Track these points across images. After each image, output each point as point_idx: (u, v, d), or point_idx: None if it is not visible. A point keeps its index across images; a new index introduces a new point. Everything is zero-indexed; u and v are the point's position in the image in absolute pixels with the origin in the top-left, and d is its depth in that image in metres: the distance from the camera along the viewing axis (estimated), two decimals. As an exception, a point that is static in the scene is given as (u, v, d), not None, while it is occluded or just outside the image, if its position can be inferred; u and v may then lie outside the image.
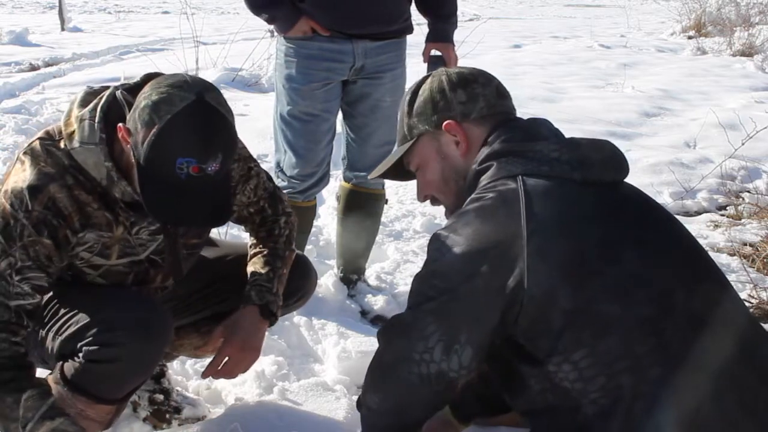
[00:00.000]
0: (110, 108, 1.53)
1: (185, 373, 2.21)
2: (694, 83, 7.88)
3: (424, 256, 1.43)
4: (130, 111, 1.48)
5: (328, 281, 2.79)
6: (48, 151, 1.55)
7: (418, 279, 1.42)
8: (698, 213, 3.92)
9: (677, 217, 1.52)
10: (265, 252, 1.87)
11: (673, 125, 5.91)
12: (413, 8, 2.57)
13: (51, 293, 1.65)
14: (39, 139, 1.59)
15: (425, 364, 1.36)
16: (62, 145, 1.56)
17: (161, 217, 1.55)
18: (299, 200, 2.56)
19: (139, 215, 1.61)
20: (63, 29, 11.86)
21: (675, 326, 1.28)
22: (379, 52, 2.47)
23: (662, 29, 14.47)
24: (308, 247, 2.92)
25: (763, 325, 1.49)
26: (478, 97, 1.51)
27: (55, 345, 1.60)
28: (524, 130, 1.47)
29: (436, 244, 1.39)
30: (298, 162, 2.50)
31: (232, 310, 1.82)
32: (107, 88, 1.59)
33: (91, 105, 1.55)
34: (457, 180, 1.53)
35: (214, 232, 2.25)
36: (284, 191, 2.54)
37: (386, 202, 2.83)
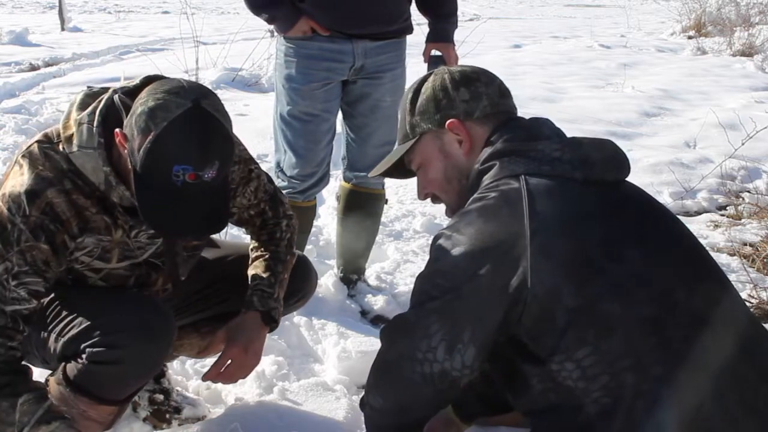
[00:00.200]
0: (109, 112, 1.52)
1: (185, 373, 2.21)
2: (694, 83, 7.88)
3: (425, 256, 1.44)
4: (127, 116, 1.47)
5: (328, 281, 2.79)
6: (46, 155, 1.55)
7: (421, 278, 1.42)
8: (698, 213, 3.92)
9: (678, 217, 1.52)
10: (266, 256, 1.86)
11: (673, 125, 5.91)
12: (413, 8, 2.57)
13: (53, 295, 1.65)
14: (37, 142, 1.58)
15: (428, 364, 1.36)
16: (61, 148, 1.55)
17: (157, 227, 1.54)
18: (299, 200, 2.56)
19: (137, 219, 1.61)
20: (63, 29, 11.87)
21: (676, 325, 1.28)
22: (379, 52, 2.47)
23: (662, 29, 14.47)
24: (308, 247, 2.92)
25: (763, 325, 1.48)
26: (481, 95, 1.51)
27: (57, 346, 1.60)
28: (526, 130, 1.47)
29: (439, 244, 1.39)
30: (298, 162, 2.50)
31: (229, 313, 1.82)
32: (106, 90, 1.58)
33: (90, 108, 1.54)
34: (459, 179, 1.53)
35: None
36: (284, 191, 2.55)
37: (386, 202, 2.83)
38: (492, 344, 1.37)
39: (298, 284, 1.99)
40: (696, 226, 3.61)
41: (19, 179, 1.53)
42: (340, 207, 2.77)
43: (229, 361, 1.76)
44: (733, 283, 1.45)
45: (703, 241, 2.78)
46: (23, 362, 1.57)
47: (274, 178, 2.61)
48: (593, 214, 1.35)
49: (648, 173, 4.30)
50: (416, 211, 3.65)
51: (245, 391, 2.12)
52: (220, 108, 1.48)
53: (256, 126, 5.10)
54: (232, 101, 6.12)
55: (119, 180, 1.54)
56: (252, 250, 1.91)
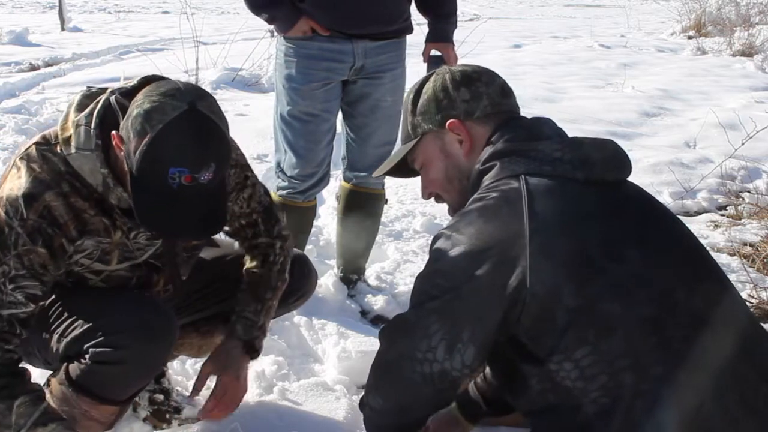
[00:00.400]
0: (106, 113, 1.52)
1: (185, 373, 2.21)
2: (694, 83, 7.88)
3: (424, 256, 1.44)
4: (124, 117, 1.47)
5: (328, 281, 2.78)
6: (44, 157, 1.55)
7: (421, 278, 1.42)
8: (698, 213, 3.92)
9: (678, 217, 1.52)
10: (256, 281, 1.85)
11: (673, 125, 5.91)
12: (413, 8, 2.57)
13: (54, 296, 1.65)
14: (35, 144, 1.58)
15: (428, 363, 1.36)
16: (58, 150, 1.55)
17: (154, 229, 1.54)
18: (299, 200, 2.56)
19: (135, 221, 1.59)
20: (63, 29, 11.86)
21: (676, 325, 1.28)
22: (379, 52, 2.47)
23: (662, 29, 14.47)
24: (308, 247, 2.92)
25: (763, 324, 1.48)
26: (482, 95, 1.51)
27: (60, 347, 1.60)
28: (527, 130, 1.47)
29: (439, 244, 1.39)
30: (299, 162, 2.50)
31: (229, 313, 1.81)
32: (105, 90, 1.58)
33: (88, 110, 1.54)
34: (460, 179, 1.53)
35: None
36: (284, 191, 2.56)
37: (386, 202, 2.83)
38: (492, 344, 1.37)
39: (298, 283, 1.99)
40: (696, 226, 3.61)
41: (17, 182, 1.53)
42: (340, 207, 2.77)
43: (226, 392, 1.78)
44: (733, 283, 1.45)
45: (703, 241, 2.78)
46: (21, 365, 1.57)
47: (275, 179, 2.62)
48: (593, 214, 1.35)
49: (648, 173, 4.30)
50: (416, 211, 3.65)
51: (245, 391, 2.12)
52: (217, 110, 1.47)
53: (256, 126, 5.11)
54: (232, 101, 6.12)
55: (117, 182, 1.53)
56: (244, 276, 1.88)
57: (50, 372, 1.75)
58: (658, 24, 15.99)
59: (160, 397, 2.00)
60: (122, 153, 1.46)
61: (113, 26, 13.29)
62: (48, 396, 1.65)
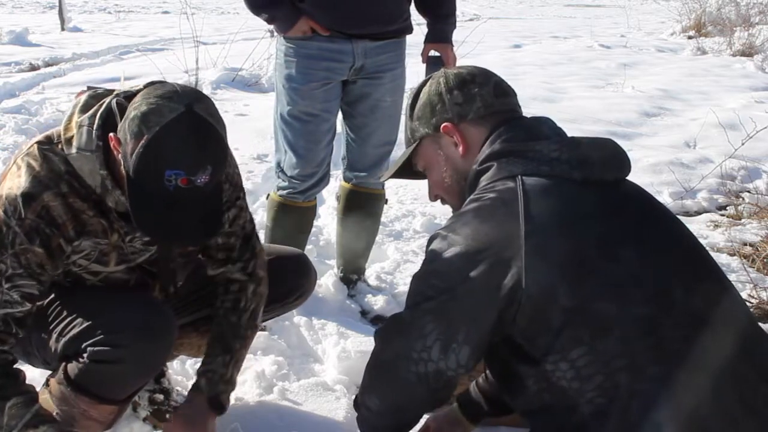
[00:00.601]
0: (110, 115, 1.52)
1: (185, 373, 2.21)
2: (694, 83, 7.88)
3: (424, 256, 1.44)
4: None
5: (328, 281, 2.79)
6: (45, 156, 1.55)
7: (417, 278, 1.43)
8: (698, 213, 3.92)
9: (678, 217, 1.51)
10: (224, 329, 1.79)
11: (673, 125, 5.91)
12: (413, 8, 2.56)
13: (53, 295, 1.65)
14: (37, 143, 1.58)
15: (423, 363, 1.37)
16: (60, 149, 1.55)
17: (149, 232, 1.53)
18: (299, 200, 2.56)
19: (132, 225, 1.60)
20: (63, 29, 11.86)
21: (673, 325, 1.28)
22: (378, 51, 2.47)
23: (662, 29, 14.47)
24: (308, 247, 2.92)
25: (763, 325, 1.48)
26: (475, 97, 1.52)
27: (58, 346, 1.60)
28: (526, 130, 1.47)
29: (435, 244, 1.39)
30: (299, 162, 2.50)
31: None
32: (111, 92, 1.58)
33: (92, 111, 1.54)
34: (458, 180, 1.54)
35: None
36: (285, 191, 2.56)
37: (386, 202, 2.83)
38: (487, 344, 1.37)
39: (297, 281, 1.99)
40: (696, 226, 3.61)
41: (17, 181, 1.53)
42: (340, 207, 2.77)
43: None
44: (733, 283, 1.45)
45: (703, 241, 2.78)
46: (15, 366, 1.57)
47: (275, 179, 2.62)
48: (591, 214, 1.35)
49: (648, 173, 4.31)
50: (416, 211, 3.65)
51: (245, 391, 2.12)
52: (214, 113, 1.47)
53: (256, 126, 5.11)
54: (232, 101, 6.12)
55: (115, 184, 1.53)
56: (213, 320, 1.82)
57: (50, 372, 1.75)
58: (658, 24, 15.99)
59: (160, 397, 2.00)
60: (120, 155, 1.46)
61: (113, 26, 13.29)
62: (47, 396, 1.65)
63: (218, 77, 6.78)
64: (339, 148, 2.70)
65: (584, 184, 1.37)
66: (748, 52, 10.16)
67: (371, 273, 2.95)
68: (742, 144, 3.97)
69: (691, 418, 1.24)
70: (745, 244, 3.39)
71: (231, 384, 1.79)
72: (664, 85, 7.60)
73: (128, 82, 6.60)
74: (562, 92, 7.12)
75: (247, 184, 3.80)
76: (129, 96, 1.53)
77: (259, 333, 2.38)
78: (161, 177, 1.40)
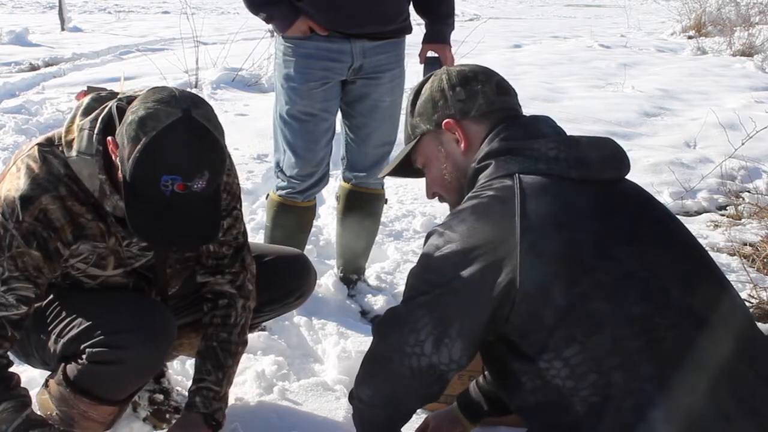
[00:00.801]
0: (111, 120, 1.52)
1: (185, 373, 2.21)
2: (694, 83, 7.88)
3: (421, 252, 1.44)
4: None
5: (328, 281, 2.79)
6: (45, 159, 1.54)
7: (413, 274, 1.43)
8: (698, 213, 3.92)
9: (677, 217, 1.51)
10: (214, 346, 1.78)
11: (673, 125, 5.91)
12: (412, 9, 2.56)
13: (52, 296, 1.65)
14: (38, 144, 1.58)
15: (416, 357, 1.37)
16: (60, 152, 1.55)
17: (145, 237, 1.52)
18: (299, 200, 2.56)
19: (129, 230, 1.58)
20: (63, 29, 11.87)
21: (670, 324, 1.28)
22: (377, 51, 2.47)
23: (662, 29, 14.48)
24: (308, 247, 2.92)
25: (762, 325, 1.48)
26: (477, 94, 1.52)
27: (57, 347, 1.60)
28: (524, 128, 1.47)
29: (432, 241, 1.40)
30: (297, 162, 2.50)
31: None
32: (114, 96, 1.58)
33: (93, 115, 1.54)
34: (458, 177, 1.54)
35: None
36: (284, 191, 2.56)
37: (386, 202, 2.82)
38: (480, 341, 1.38)
39: (297, 282, 1.99)
40: (696, 226, 3.61)
41: (15, 183, 1.53)
42: (339, 207, 2.77)
43: None
44: (733, 283, 1.45)
45: (703, 241, 2.79)
46: (9, 369, 1.56)
47: (274, 179, 2.62)
48: (587, 213, 1.35)
49: (648, 173, 4.31)
50: (416, 211, 3.65)
51: (245, 391, 2.12)
52: (213, 118, 1.46)
53: (256, 126, 5.11)
54: (232, 101, 6.12)
55: (114, 189, 1.53)
56: (203, 335, 1.81)
57: (49, 372, 1.75)
58: (658, 24, 15.99)
59: (160, 397, 2.00)
60: (117, 159, 1.45)
61: (113, 26, 13.30)
62: (47, 396, 1.65)
63: (218, 77, 6.79)
64: (338, 148, 2.70)
65: (582, 183, 1.37)
66: (748, 52, 10.17)
67: (371, 273, 2.95)
68: (742, 144, 3.97)
69: (686, 417, 1.24)
70: (745, 244, 3.39)
71: (224, 401, 1.78)
72: (664, 85, 7.60)
73: (128, 82, 6.61)
74: (562, 92, 7.12)
75: (247, 184, 3.81)
76: (131, 100, 1.52)
77: (259, 333, 2.38)
78: (157, 182, 1.39)
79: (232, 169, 1.77)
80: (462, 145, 1.51)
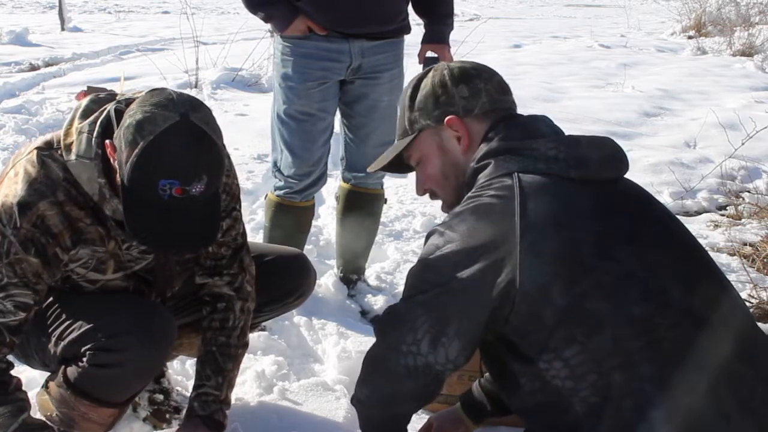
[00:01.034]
0: (109, 123, 1.51)
1: (185, 373, 2.21)
2: (694, 83, 7.88)
3: (421, 251, 1.44)
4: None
5: (328, 281, 2.79)
6: (43, 162, 1.54)
7: (412, 273, 1.43)
8: (698, 213, 3.92)
9: (677, 216, 1.51)
10: (214, 350, 1.78)
11: (673, 125, 5.91)
12: (411, 9, 2.56)
13: (52, 298, 1.65)
14: (37, 148, 1.57)
15: (412, 356, 1.37)
16: (59, 155, 1.54)
17: (143, 241, 1.52)
18: (297, 200, 2.56)
19: (128, 234, 1.59)
20: (63, 29, 11.87)
21: (670, 324, 1.28)
22: (376, 51, 2.46)
23: (662, 29, 14.47)
24: (308, 247, 2.92)
25: (762, 325, 1.48)
26: (480, 92, 1.50)
27: (57, 349, 1.60)
28: (523, 128, 1.46)
29: (432, 240, 1.40)
30: (295, 161, 2.50)
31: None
32: (113, 97, 1.57)
33: (92, 117, 1.53)
34: (457, 175, 1.52)
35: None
36: (282, 191, 2.56)
37: (385, 202, 2.82)
38: (478, 341, 1.38)
39: (297, 282, 1.99)
40: (696, 226, 3.61)
41: (13, 188, 1.52)
42: (339, 207, 2.77)
43: None
44: (733, 283, 1.44)
45: (703, 241, 2.79)
46: (9, 372, 1.57)
47: (272, 178, 2.62)
48: (587, 213, 1.34)
49: (648, 173, 4.31)
50: (416, 211, 3.65)
51: (245, 391, 2.12)
52: (211, 121, 1.45)
53: (256, 126, 5.11)
54: (232, 101, 6.12)
55: (113, 192, 1.52)
56: (202, 339, 1.81)
57: (49, 374, 1.75)
58: (658, 24, 15.99)
59: (160, 397, 2.00)
60: (116, 162, 1.45)
61: (113, 26, 13.30)
62: (47, 398, 1.65)
63: (218, 77, 6.79)
64: (338, 149, 2.70)
65: (581, 183, 1.36)
66: (748, 52, 10.16)
67: (371, 273, 2.95)
68: (742, 144, 3.97)
69: (686, 417, 1.23)
70: (745, 244, 3.39)
71: (226, 403, 1.78)
72: (664, 85, 7.60)
73: (128, 82, 6.61)
74: (562, 92, 7.12)
75: (247, 184, 3.80)
76: (130, 102, 1.51)
77: (259, 333, 2.38)
78: (155, 186, 1.38)
79: (231, 169, 1.76)
80: (464, 142, 1.50)
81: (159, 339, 1.61)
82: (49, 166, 1.54)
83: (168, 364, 2.10)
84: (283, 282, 1.98)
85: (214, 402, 1.75)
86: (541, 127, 1.47)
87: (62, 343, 1.59)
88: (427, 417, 1.88)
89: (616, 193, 1.41)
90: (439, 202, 1.65)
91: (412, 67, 2.68)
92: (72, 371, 1.58)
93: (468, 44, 7.21)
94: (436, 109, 1.52)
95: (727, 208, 3.96)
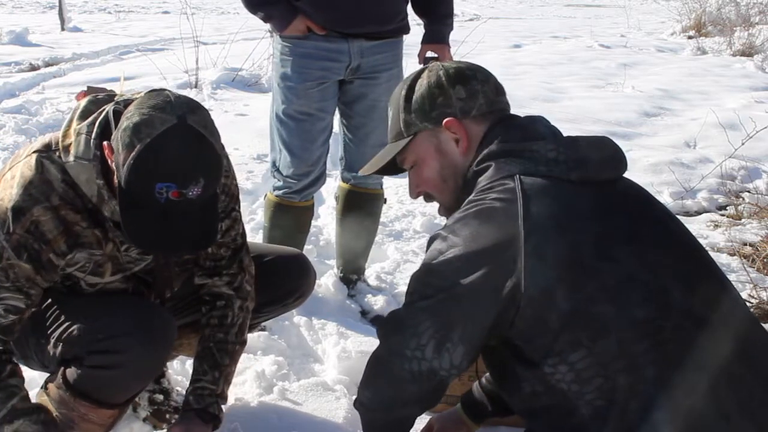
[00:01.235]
0: (108, 123, 1.51)
1: (185, 373, 2.21)
2: (694, 83, 7.88)
3: (424, 256, 1.43)
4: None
5: (328, 281, 2.78)
6: (41, 165, 1.54)
7: (416, 278, 1.42)
8: (698, 213, 3.92)
9: (676, 216, 1.51)
10: (211, 346, 1.78)
11: (673, 125, 5.91)
12: (410, 9, 2.56)
13: (50, 299, 1.64)
14: (35, 151, 1.56)
15: (416, 361, 1.36)
16: (58, 157, 1.54)
17: (140, 244, 1.52)
18: (296, 200, 2.56)
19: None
20: (63, 29, 11.87)
21: (673, 326, 1.28)
22: (375, 51, 2.46)
23: (662, 29, 14.47)
24: (308, 247, 2.91)
25: (763, 325, 1.48)
26: (478, 93, 1.49)
27: (56, 350, 1.60)
28: (522, 129, 1.45)
29: (435, 245, 1.38)
30: (293, 161, 2.50)
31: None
32: (112, 98, 1.57)
33: (90, 119, 1.53)
34: (455, 178, 1.51)
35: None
36: (280, 191, 2.56)
37: (385, 202, 2.82)
38: (482, 346, 1.37)
39: (297, 283, 1.99)
40: (696, 226, 3.61)
41: (8, 192, 1.52)
42: (338, 207, 2.77)
43: None
44: (733, 283, 1.44)
45: (703, 241, 2.79)
46: (4, 360, 1.56)
47: (271, 178, 2.62)
48: (588, 215, 1.34)
49: (648, 173, 4.30)
50: (416, 211, 3.65)
51: (245, 391, 2.12)
52: (208, 124, 1.45)
53: (256, 126, 5.11)
54: (232, 101, 6.12)
55: (111, 194, 1.52)
56: (200, 336, 1.81)
57: (48, 374, 1.75)
58: (658, 24, 15.99)
59: (160, 397, 2.00)
60: (113, 164, 1.45)
61: (113, 26, 13.30)
62: (46, 399, 1.65)
63: (218, 77, 6.79)
64: (337, 148, 2.70)
65: (581, 184, 1.36)
66: (748, 52, 10.16)
67: (371, 273, 2.95)
68: (742, 144, 3.97)
69: (687, 418, 1.24)
70: (745, 244, 3.39)
71: (222, 398, 1.77)
72: (664, 85, 7.60)
73: (128, 82, 6.61)
74: (562, 92, 7.12)
75: (247, 184, 3.80)
76: (128, 103, 1.51)
77: (259, 333, 2.38)
78: (152, 189, 1.38)
79: (230, 170, 1.76)
80: (462, 144, 1.48)
81: (159, 340, 1.61)
82: (47, 169, 1.53)
83: (168, 364, 2.10)
84: (282, 282, 1.97)
85: (210, 395, 1.74)
86: (539, 128, 1.46)
87: (61, 345, 1.58)
88: (428, 418, 1.88)
89: (616, 193, 1.41)
90: (429, 203, 1.64)
91: (411, 67, 2.66)
92: (71, 372, 1.57)
93: (468, 44, 7.21)
94: (434, 111, 1.50)
95: (727, 208, 3.96)
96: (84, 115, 1.55)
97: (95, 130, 1.51)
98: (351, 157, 2.64)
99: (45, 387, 1.68)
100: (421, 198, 1.63)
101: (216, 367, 1.76)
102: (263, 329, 2.41)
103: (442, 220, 1.54)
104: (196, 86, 6.55)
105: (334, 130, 2.60)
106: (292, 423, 1.97)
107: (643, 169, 4.35)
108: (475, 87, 1.49)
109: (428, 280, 1.38)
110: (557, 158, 1.37)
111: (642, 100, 6.76)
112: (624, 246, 1.32)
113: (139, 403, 1.97)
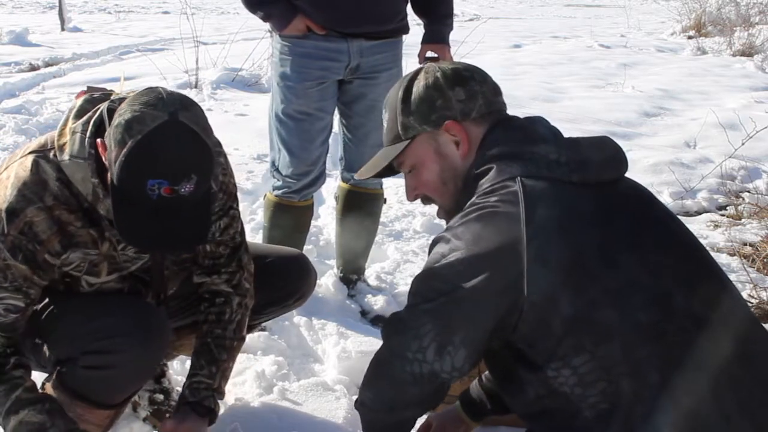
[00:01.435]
0: (102, 122, 1.50)
1: (185, 373, 2.20)
2: (694, 83, 7.88)
3: (424, 256, 1.43)
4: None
5: (328, 281, 2.78)
6: (36, 165, 1.53)
7: (418, 280, 1.41)
8: (698, 213, 3.92)
9: (677, 216, 1.51)
10: (209, 341, 1.77)
11: (673, 125, 5.91)
12: (410, 9, 2.56)
13: (47, 299, 1.64)
14: (31, 152, 1.56)
15: (418, 364, 1.36)
16: (53, 156, 1.54)
17: (133, 241, 1.51)
18: (295, 200, 2.56)
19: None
20: (63, 29, 11.87)
21: (675, 328, 1.27)
22: (374, 51, 2.46)
23: (662, 29, 14.48)
24: (308, 247, 2.91)
25: (763, 325, 1.48)
26: (477, 95, 1.47)
27: (53, 351, 1.60)
28: (522, 131, 1.44)
29: (438, 248, 1.38)
30: (292, 161, 2.50)
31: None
32: (108, 97, 1.57)
33: (86, 117, 1.53)
34: (455, 181, 1.49)
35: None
36: (280, 191, 2.56)
37: (385, 202, 2.82)
38: (484, 349, 1.36)
39: (297, 283, 1.98)
40: (696, 226, 3.61)
41: (2, 193, 1.52)
42: (338, 207, 2.77)
43: None
44: (733, 283, 1.44)
45: (703, 241, 2.78)
46: (8, 352, 1.56)
47: (270, 178, 2.62)
48: (589, 218, 1.33)
49: (648, 173, 4.30)
50: (416, 211, 3.65)
51: (245, 391, 2.12)
52: (201, 121, 1.44)
53: (256, 126, 5.11)
54: (232, 101, 6.12)
55: (107, 192, 1.51)
56: (199, 332, 1.81)
57: (45, 375, 1.75)
58: (658, 24, 15.99)
59: (160, 397, 2.00)
60: (107, 161, 1.44)
61: (113, 26, 13.30)
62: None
63: (218, 77, 6.79)
64: (337, 148, 2.70)
65: (583, 186, 1.35)
66: (748, 52, 10.17)
67: (371, 273, 2.95)
68: (742, 144, 3.97)
69: (688, 419, 1.24)
70: (745, 244, 3.39)
71: (219, 392, 1.77)
72: (664, 85, 7.61)
73: (128, 82, 6.61)
74: (562, 92, 7.12)
75: (247, 184, 3.80)
76: (123, 101, 1.50)
77: (259, 333, 2.38)
78: (144, 186, 1.37)
79: (227, 168, 1.76)
80: (463, 147, 1.46)
81: (153, 340, 1.60)
82: (42, 169, 1.53)
83: (168, 364, 2.10)
84: (283, 283, 1.97)
85: (206, 389, 1.74)
86: (539, 129, 1.45)
87: (57, 345, 1.58)
88: (426, 416, 1.88)
89: (617, 194, 1.40)
90: (426, 205, 1.62)
91: (411, 67, 2.65)
92: (67, 374, 1.57)
93: (468, 44, 7.21)
94: (433, 114, 1.48)
95: (727, 208, 3.96)
96: (79, 114, 1.55)
97: (90, 128, 1.50)
98: (351, 157, 2.64)
99: (42, 388, 1.68)
100: (411, 199, 1.62)
101: (213, 362, 1.76)
102: (263, 329, 2.41)
103: (442, 221, 1.53)
104: (196, 86, 6.56)
105: (333, 130, 2.60)
106: (292, 423, 1.97)
107: (643, 169, 4.34)
108: (474, 88, 1.48)
109: (430, 283, 1.37)
110: (559, 160, 1.36)
111: (642, 100, 6.76)
112: (625, 249, 1.31)
113: (139, 403, 1.97)
